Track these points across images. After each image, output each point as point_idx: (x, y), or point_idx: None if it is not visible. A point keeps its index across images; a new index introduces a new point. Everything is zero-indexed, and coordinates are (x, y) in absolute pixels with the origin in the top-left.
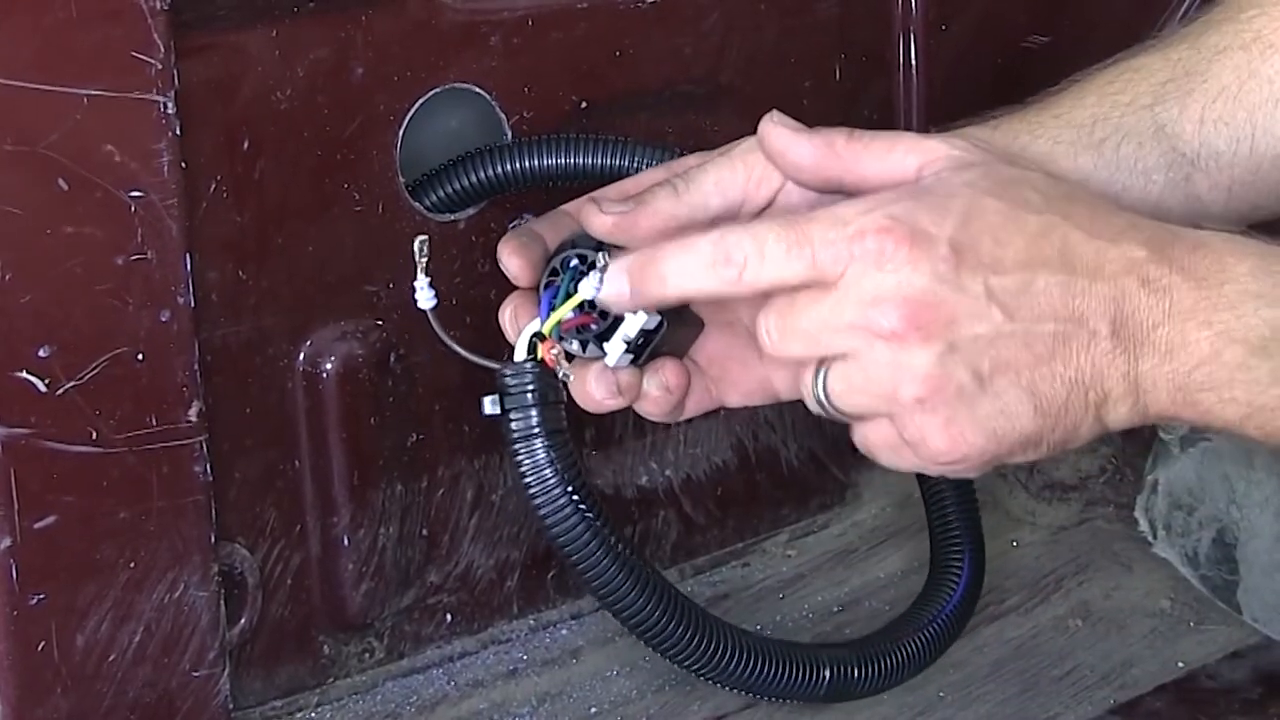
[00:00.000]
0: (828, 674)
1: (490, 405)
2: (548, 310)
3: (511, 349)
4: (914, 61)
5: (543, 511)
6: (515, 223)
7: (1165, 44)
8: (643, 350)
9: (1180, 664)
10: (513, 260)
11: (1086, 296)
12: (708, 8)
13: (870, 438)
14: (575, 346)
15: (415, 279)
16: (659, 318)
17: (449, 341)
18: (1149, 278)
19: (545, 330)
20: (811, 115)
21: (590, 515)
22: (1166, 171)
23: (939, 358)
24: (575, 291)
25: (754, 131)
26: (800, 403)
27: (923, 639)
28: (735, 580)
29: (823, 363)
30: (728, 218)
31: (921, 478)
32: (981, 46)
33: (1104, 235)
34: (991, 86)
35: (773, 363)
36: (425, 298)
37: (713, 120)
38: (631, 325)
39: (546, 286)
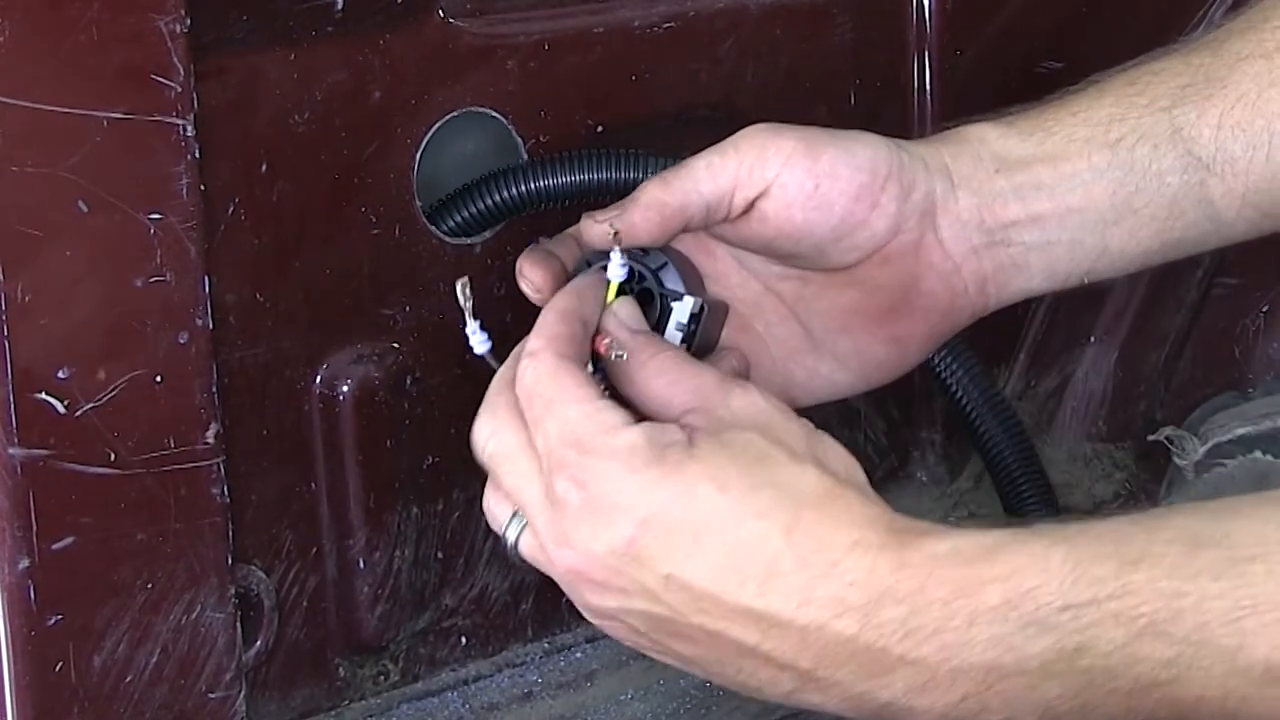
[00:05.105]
0: None
1: None
2: None
3: None
4: (928, 86)
5: None
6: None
7: (1186, 49)
8: (693, 336)
9: None
10: (535, 272)
11: (781, 642)
12: (723, 32)
13: None
14: None
15: (465, 325)
16: (700, 300)
17: None
18: (860, 625)
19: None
20: None
21: None
22: (1181, 174)
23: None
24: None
25: None
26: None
27: None
28: None
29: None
30: (720, 204)
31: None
32: (995, 72)
33: (816, 565)
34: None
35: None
36: (478, 341)
37: None
38: (681, 310)
39: None
